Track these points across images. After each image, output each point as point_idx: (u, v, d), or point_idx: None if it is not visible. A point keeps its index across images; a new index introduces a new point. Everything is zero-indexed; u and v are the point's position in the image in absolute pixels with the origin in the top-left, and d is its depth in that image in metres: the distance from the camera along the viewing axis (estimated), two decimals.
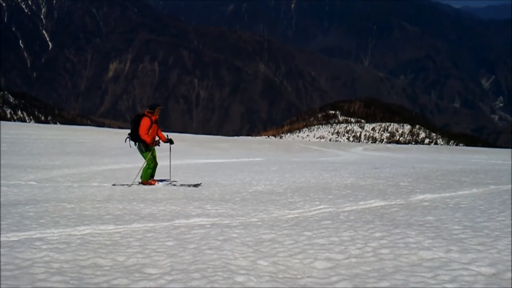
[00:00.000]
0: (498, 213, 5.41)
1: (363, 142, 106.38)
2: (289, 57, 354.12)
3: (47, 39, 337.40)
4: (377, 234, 4.27)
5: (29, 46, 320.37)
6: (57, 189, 8.39)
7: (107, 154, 19.73)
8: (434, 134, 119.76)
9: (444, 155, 30.94)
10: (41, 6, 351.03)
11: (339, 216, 5.42)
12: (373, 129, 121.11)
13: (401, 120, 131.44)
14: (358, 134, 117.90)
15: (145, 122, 8.77)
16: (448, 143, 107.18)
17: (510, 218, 5.08)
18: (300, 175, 11.66)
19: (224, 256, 3.60)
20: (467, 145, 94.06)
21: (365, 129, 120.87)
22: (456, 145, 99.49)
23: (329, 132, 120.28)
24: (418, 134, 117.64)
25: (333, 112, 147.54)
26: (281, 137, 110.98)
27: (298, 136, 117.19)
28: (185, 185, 9.10)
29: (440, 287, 2.83)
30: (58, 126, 63.53)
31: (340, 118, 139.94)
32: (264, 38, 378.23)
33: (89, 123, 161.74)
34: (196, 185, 8.93)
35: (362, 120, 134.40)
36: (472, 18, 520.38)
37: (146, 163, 9.06)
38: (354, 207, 6.17)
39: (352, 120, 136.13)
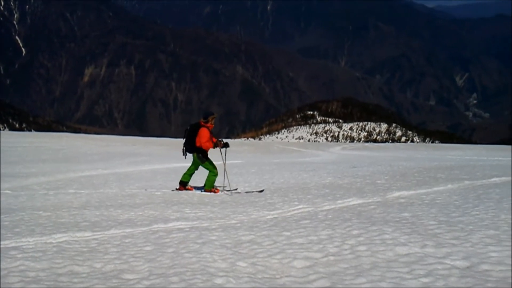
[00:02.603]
0: (472, 208, 5.53)
1: (341, 141, 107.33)
2: (266, 58, 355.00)
3: (20, 44, 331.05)
4: (355, 232, 4.32)
5: (2, 52, 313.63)
6: (33, 197, 8.24)
7: (83, 161, 19.46)
8: (410, 132, 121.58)
9: (421, 152, 31.43)
10: (14, 11, 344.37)
11: (317, 216, 5.47)
12: (350, 128, 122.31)
13: (378, 119, 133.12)
14: (336, 134, 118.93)
15: (205, 133, 8.57)
16: (424, 141, 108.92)
17: (484, 212, 5.20)
18: (279, 176, 11.72)
19: (203, 259, 3.60)
20: (442, 142, 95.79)
21: (343, 129, 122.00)
22: (432, 142, 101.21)
23: (307, 132, 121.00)
24: (394, 133, 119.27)
25: (311, 112, 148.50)
26: (260, 139, 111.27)
27: (277, 137, 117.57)
28: (249, 192, 8.92)
29: (416, 281, 2.89)
30: (33, 133, 62.37)
31: (318, 119, 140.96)
32: (241, 40, 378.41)
33: (65, 129, 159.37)
34: (260, 191, 8.78)
35: (340, 120, 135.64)
36: (446, 16, 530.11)
37: (210, 171, 8.86)
38: (332, 206, 6.23)
39: (330, 120, 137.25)
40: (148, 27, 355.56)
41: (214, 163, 8.93)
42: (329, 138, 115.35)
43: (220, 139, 9.22)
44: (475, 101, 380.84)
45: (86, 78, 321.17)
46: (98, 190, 9.36)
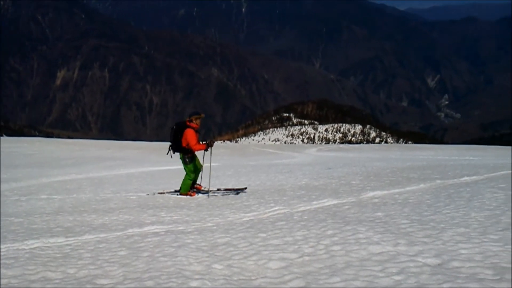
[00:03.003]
0: (444, 206, 5.65)
1: (317, 143, 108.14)
2: (242, 61, 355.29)
3: None
4: (329, 232, 4.37)
5: None
6: (4, 203, 8.05)
7: (56, 165, 19.11)
8: (384, 133, 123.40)
9: (394, 153, 31.95)
10: None
11: (293, 217, 5.50)
12: (326, 130, 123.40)
13: (352, 121, 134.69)
14: (312, 135, 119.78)
15: (191, 135, 8.40)
16: (397, 141, 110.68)
17: (455, 211, 5.33)
18: (255, 178, 11.75)
19: (179, 262, 3.58)
20: (415, 142, 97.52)
21: (318, 131, 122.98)
22: (405, 143, 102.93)
23: (283, 134, 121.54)
24: (369, 134, 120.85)
25: (287, 114, 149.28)
26: (236, 142, 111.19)
27: (253, 139, 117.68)
28: (228, 190, 8.84)
29: (388, 279, 2.94)
30: (5, 138, 60.80)
31: (294, 121, 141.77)
32: (216, 42, 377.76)
33: (37, 134, 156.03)
34: (240, 190, 8.74)
35: (316, 122, 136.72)
36: (417, 19, 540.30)
37: (187, 174, 8.75)
38: (308, 207, 6.28)
39: (306, 122, 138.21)
40: (121, 29, 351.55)
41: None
42: (305, 140, 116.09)
43: (206, 140, 9.21)
44: (446, 102, 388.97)
45: (58, 82, 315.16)
46: (72, 195, 9.22)
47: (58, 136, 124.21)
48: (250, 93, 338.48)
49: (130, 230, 5.03)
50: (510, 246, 3.62)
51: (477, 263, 3.21)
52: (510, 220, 4.66)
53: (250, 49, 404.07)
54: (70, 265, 3.67)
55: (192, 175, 8.72)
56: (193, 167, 8.69)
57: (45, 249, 4.30)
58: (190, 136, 8.37)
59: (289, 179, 10.88)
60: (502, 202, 5.74)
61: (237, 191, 8.79)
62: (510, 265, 3.13)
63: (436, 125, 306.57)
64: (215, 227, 5.08)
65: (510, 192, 6.53)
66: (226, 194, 8.61)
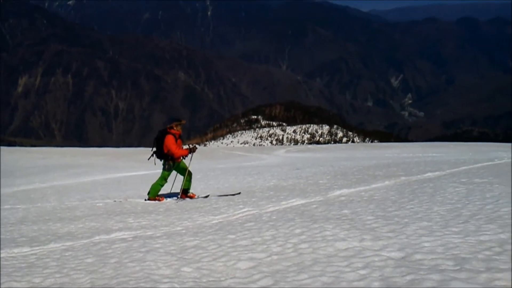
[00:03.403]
0: (407, 202, 5.81)
1: (286, 144, 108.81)
2: (208, 64, 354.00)
3: None
4: (297, 231, 4.43)
5: None
6: None
7: (19, 175, 18.59)
8: (351, 133, 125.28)
9: (360, 152, 32.49)
10: None
11: (262, 217, 5.55)
12: (294, 131, 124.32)
13: (320, 121, 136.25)
14: (280, 137, 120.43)
15: (171, 141, 8.39)
16: (364, 141, 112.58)
17: (418, 205, 5.49)
18: (224, 181, 11.75)
19: (147, 267, 3.56)
20: (381, 141, 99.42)
21: (287, 132, 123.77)
22: (371, 141, 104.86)
23: (252, 137, 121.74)
24: (336, 134, 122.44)
25: (255, 117, 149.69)
26: (205, 145, 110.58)
27: (222, 143, 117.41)
28: (200, 197, 8.72)
29: (354, 274, 3.02)
30: None
31: (263, 123, 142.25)
32: (182, 46, 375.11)
33: None
34: (206, 197, 8.63)
35: (284, 123, 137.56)
36: (380, 20, 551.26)
37: (160, 179, 8.66)
38: (277, 207, 6.33)
39: (274, 123, 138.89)
40: (84, 34, 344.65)
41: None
42: (274, 142, 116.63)
43: (188, 145, 9.15)
44: (409, 101, 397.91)
45: (20, 89, 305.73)
46: (36, 205, 8.99)
47: (21, 145, 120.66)
48: (217, 96, 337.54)
49: (97, 237, 4.96)
50: (470, 238, 3.77)
51: (438, 255, 3.33)
52: (470, 213, 4.84)
53: (217, 52, 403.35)
54: (35, 274, 3.60)
55: (164, 182, 8.67)
56: (168, 175, 8.66)
57: (10, 259, 4.19)
58: (169, 142, 8.38)
59: (258, 181, 10.93)
60: (463, 196, 5.95)
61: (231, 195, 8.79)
62: (470, 256, 3.25)
63: (401, 124, 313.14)
64: (184, 231, 5.06)
65: (471, 186, 6.78)
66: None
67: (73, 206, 8.30)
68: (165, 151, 8.45)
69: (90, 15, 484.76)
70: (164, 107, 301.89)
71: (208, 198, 8.41)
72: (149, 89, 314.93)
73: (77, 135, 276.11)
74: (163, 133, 8.56)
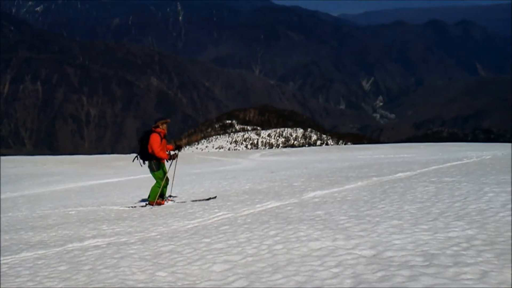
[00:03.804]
0: (379, 202, 5.93)
1: (261, 148, 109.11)
2: (181, 69, 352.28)
3: None
4: (272, 232, 4.48)
5: None
6: None
7: None
8: (324, 136, 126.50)
9: (334, 154, 32.85)
10: None
11: (237, 221, 5.57)
12: (269, 135, 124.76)
13: (294, 125, 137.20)
14: (255, 141, 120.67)
15: (155, 139, 8.28)
16: (337, 143, 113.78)
17: (390, 205, 5.61)
18: (199, 186, 11.72)
19: (121, 272, 3.55)
20: (354, 143, 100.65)
21: (261, 136, 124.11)
22: (345, 144, 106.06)
23: (227, 141, 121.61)
24: (310, 137, 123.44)
25: (230, 121, 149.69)
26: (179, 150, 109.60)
27: (197, 148, 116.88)
28: (197, 200, 8.58)
29: (327, 272, 3.08)
30: None
31: (237, 127, 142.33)
32: (154, 51, 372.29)
33: None
34: (209, 199, 8.51)
35: (258, 127, 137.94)
36: (350, 24, 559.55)
37: (156, 182, 8.53)
38: (252, 211, 6.36)
39: (249, 128, 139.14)
40: (53, 41, 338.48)
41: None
42: (249, 146, 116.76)
43: (174, 142, 9.06)
44: (381, 103, 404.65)
45: None
46: (7, 214, 8.79)
47: None
48: (191, 101, 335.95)
49: (70, 245, 4.90)
50: (439, 234, 3.89)
51: (408, 252, 3.42)
52: (439, 211, 4.98)
53: (189, 57, 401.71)
54: (7, 283, 3.54)
55: (161, 182, 8.57)
56: (162, 174, 8.57)
57: None
58: (153, 141, 8.30)
59: (233, 185, 10.95)
60: (433, 195, 6.11)
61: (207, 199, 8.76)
62: (438, 252, 3.36)
63: (373, 125, 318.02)
64: (158, 236, 5.04)
65: (440, 185, 6.96)
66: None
67: (45, 215, 8.15)
68: (150, 150, 8.37)
69: (58, 21, 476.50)
70: (137, 113, 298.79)
71: (183, 203, 8.37)
72: (121, 95, 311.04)
73: (48, 143, 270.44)
74: (148, 133, 8.47)
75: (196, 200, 8.59)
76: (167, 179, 8.77)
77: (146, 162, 8.57)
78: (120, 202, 9.27)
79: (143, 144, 8.42)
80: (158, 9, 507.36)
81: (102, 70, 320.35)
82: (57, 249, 4.75)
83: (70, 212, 8.16)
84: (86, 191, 13.28)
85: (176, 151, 8.97)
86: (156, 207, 8.16)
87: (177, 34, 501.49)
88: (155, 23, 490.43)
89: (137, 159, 8.59)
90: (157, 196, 8.55)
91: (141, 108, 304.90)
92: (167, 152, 8.67)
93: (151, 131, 8.48)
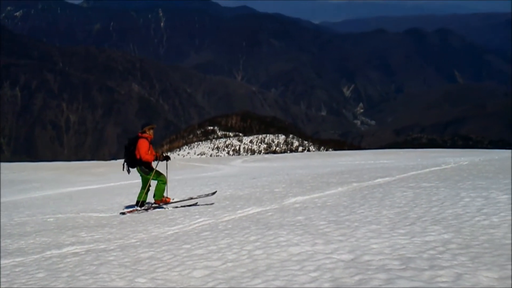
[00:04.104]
0: (358, 207, 6.01)
1: (243, 154, 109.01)
2: (163, 75, 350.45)
3: None
4: (252, 238, 4.50)
5: None
6: None
7: None
8: (306, 142, 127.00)
9: (315, 160, 33.04)
10: None
11: (218, 227, 5.58)
12: (251, 141, 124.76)
13: (276, 131, 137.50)
14: (237, 147, 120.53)
15: (143, 144, 8.25)
16: (319, 149, 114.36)
17: (368, 210, 5.69)
18: (180, 192, 11.67)
19: (100, 279, 3.52)
20: (335, 149, 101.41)
21: (243, 142, 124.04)
22: (326, 150, 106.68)
23: (209, 147, 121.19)
24: (292, 143, 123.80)
25: (212, 127, 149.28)
26: None
27: (178, 154, 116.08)
28: (195, 197, 8.62)
29: (306, 276, 3.11)
30: None
31: (219, 133, 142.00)
32: (135, 57, 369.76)
33: None
34: (211, 194, 8.56)
35: (240, 134, 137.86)
36: (331, 32, 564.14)
37: (158, 180, 8.49)
38: (232, 216, 6.38)
39: (231, 134, 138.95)
40: (33, 46, 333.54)
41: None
42: (231, 152, 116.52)
43: (161, 153, 9.02)
44: (361, 110, 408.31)
45: None
46: None
47: None
48: (173, 107, 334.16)
49: (48, 252, 4.84)
50: (416, 239, 3.96)
51: (386, 256, 3.48)
52: (417, 216, 5.07)
53: (171, 64, 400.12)
54: None
55: (164, 178, 8.56)
56: (159, 173, 8.54)
57: None
58: (141, 145, 8.28)
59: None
60: (411, 200, 6.22)
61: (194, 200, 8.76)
62: (415, 255, 3.43)
63: (354, 132, 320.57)
64: (138, 243, 5.02)
65: (418, 190, 7.08)
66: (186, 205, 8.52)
67: (23, 222, 8.02)
68: (138, 156, 8.34)
69: (38, 27, 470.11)
70: (118, 119, 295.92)
71: (165, 209, 8.33)
72: (101, 101, 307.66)
73: (27, 150, 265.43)
74: (135, 140, 8.45)
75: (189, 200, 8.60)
76: (150, 186, 8.73)
77: (132, 169, 8.57)
78: (99, 209, 9.17)
79: (131, 150, 8.38)
80: (140, 16, 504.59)
81: (83, 76, 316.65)
82: (35, 256, 4.70)
83: (48, 219, 8.05)
84: (65, 198, 13.11)
85: (165, 161, 8.98)
86: (135, 214, 8.09)
87: (159, 40, 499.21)
88: (136, 29, 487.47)
89: (125, 166, 8.55)
90: (163, 194, 8.60)
91: (122, 114, 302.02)
92: (159, 153, 8.69)
93: (137, 137, 8.45)
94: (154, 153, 8.67)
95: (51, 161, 51.68)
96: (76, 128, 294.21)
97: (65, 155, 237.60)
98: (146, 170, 8.48)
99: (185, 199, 8.98)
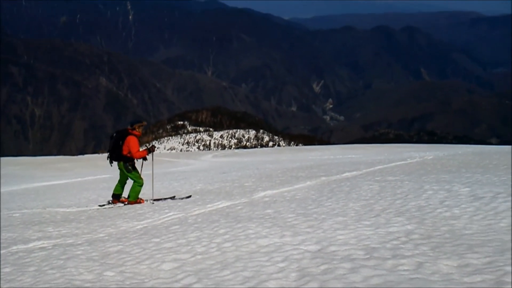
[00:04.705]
0: (326, 200, 6.13)
1: (213, 149, 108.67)
2: (132, 69, 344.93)
3: None
4: (221, 231, 4.55)
5: None
6: None
7: None
8: (276, 137, 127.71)
9: (285, 155, 33.31)
10: None
11: (187, 220, 5.59)
12: (221, 136, 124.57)
13: (246, 126, 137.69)
14: (207, 142, 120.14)
15: (135, 142, 8.12)
16: (289, 144, 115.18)
17: (336, 203, 5.82)
18: (149, 187, 11.58)
19: (68, 273, 3.50)
20: (305, 144, 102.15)
21: (214, 137, 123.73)
22: (296, 145, 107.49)
23: (179, 142, 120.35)
24: (262, 138, 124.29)
25: (182, 122, 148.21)
26: None
27: None
28: (166, 198, 8.47)
29: (273, 267, 3.18)
30: None
31: (189, 128, 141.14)
32: (103, 51, 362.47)
33: None
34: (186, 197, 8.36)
35: (211, 129, 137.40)
36: (301, 28, 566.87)
37: (135, 181, 8.28)
38: (202, 210, 6.40)
39: (201, 129, 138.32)
40: None
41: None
42: (201, 147, 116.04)
43: (146, 145, 8.89)
44: (331, 106, 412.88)
45: None
46: None
47: None
48: (142, 102, 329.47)
49: (14, 247, 4.75)
50: (380, 230, 4.09)
51: (351, 246, 3.59)
52: (382, 208, 5.23)
53: (140, 58, 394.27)
54: None
55: (141, 181, 8.40)
56: (138, 173, 8.42)
57: None
58: (133, 143, 8.15)
59: (184, 185, 10.92)
60: (376, 193, 6.39)
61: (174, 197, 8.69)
62: (379, 245, 3.54)
63: (323, 127, 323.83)
64: (106, 237, 4.98)
65: (384, 184, 7.27)
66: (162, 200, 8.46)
67: None
68: (125, 152, 8.20)
69: (2, 19, 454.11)
70: (85, 114, 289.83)
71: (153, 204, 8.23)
72: (68, 95, 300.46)
73: None
74: (123, 134, 8.29)
75: (167, 198, 8.55)
76: (126, 182, 8.65)
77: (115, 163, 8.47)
78: (65, 204, 9.03)
79: (119, 144, 8.25)
80: (107, 8, 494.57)
81: (48, 69, 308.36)
82: (1, 252, 4.61)
83: (14, 215, 7.88)
84: (31, 193, 12.82)
85: (154, 144, 8.97)
86: (109, 207, 8.01)
87: (127, 34, 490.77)
88: (104, 22, 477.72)
89: (108, 159, 8.45)
90: (138, 196, 8.47)
91: (90, 109, 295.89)
92: (145, 146, 8.60)
93: (126, 132, 8.31)
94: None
95: (16, 156, 50.27)
96: (41, 123, 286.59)
97: (30, 150, 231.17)
98: (129, 168, 8.34)
99: (160, 198, 8.89)
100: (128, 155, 8.23)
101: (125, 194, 8.73)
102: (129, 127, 8.46)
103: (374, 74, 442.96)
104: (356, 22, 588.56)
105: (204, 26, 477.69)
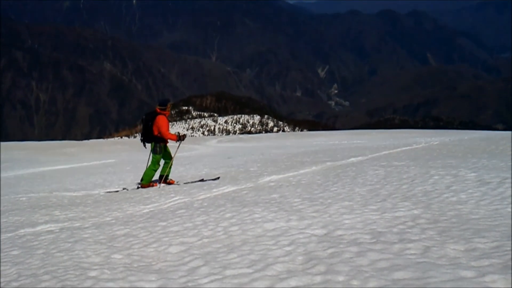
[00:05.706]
0: (332, 185, 6.13)
1: (218, 135, 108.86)
2: (136, 54, 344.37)
3: None
4: (228, 215, 4.56)
5: None
6: None
7: None
8: (281, 123, 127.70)
9: (290, 140, 33.29)
10: None
11: (193, 205, 5.61)
12: (226, 122, 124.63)
13: (251, 112, 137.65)
14: (212, 127, 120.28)
15: (164, 121, 8.23)
16: (294, 130, 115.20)
17: (341, 187, 5.82)
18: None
19: (76, 256, 3.53)
20: (309, 130, 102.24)
21: (218, 123, 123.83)
22: (301, 130, 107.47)
23: (184, 128, 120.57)
24: (267, 124, 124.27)
25: (186, 108, 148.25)
26: (135, 137, 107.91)
27: None
28: (189, 182, 8.48)
29: (280, 250, 3.20)
30: None
31: (194, 114, 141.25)
32: (107, 36, 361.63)
33: None
34: (215, 179, 8.40)
35: (215, 114, 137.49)
36: (305, 13, 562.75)
37: (151, 164, 8.44)
38: (208, 195, 6.42)
39: (206, 114, 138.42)
40: (1, 24, 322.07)
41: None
42: (206, 132, 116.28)
43: (178, 132, 8.95)
44: (336, 91, 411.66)
45: None
46: None
47: None
48: (146, 87, 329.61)
49: (22, 231, 4.79)
50: (386, 214, 4.09)
51: (358, 230, 3.59)
52: (388, 193, 5.22)
53: (144, 43, 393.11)
54: None
55: (157, 166, 8.52)
56: (160, 159, 8.52)
57: None
58: (162, 122, 8.25)
59: (189, 170, 10.95)
60: (382, 178, 6.38)
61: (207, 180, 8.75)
62: (385, 230, 3.54)
63: (328, 113, 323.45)
64: (113, 221, 5.01)
65: (389, 169, 7.25)
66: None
67: None
68: (156, 132, 8.29)
69: (6, 4, 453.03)
70: (89, 99, 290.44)
71: (160, 188, 8.28)
72: (72, 81, 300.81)
73: None
74: (152, 115, 8.40)
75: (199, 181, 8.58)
76: (171, 161, 8.79)
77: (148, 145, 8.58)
78: (72, 188, 9.08)
79: (149, 126, 8.32)
80: None
81: (53, 54, 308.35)
82: (9, 235, 4.64)
83: (21, 199, 7.94)
84: (37, 177, 12.90)
85: (185, 133, 9.06)
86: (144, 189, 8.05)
87: (131, 19, 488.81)
88: (107, 7, 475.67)
89: (142, 141, 8.58)
90: (151, 179, 8.57)
91: (94, 94, 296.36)
92: (176, 133, 8.60)
93: (155, 113, 8.42)
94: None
95: (22, 141, 50.53)
96: (46, 108, 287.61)
97: (35, 135, 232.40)
98: (157, 149, 8.41)
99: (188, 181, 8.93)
100: (159, 135, 8.30)
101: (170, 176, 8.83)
102: (157, 107, 8.52)
103: (379, 59, 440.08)
104: (361, 6, 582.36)
105: (209, 11, 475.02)
